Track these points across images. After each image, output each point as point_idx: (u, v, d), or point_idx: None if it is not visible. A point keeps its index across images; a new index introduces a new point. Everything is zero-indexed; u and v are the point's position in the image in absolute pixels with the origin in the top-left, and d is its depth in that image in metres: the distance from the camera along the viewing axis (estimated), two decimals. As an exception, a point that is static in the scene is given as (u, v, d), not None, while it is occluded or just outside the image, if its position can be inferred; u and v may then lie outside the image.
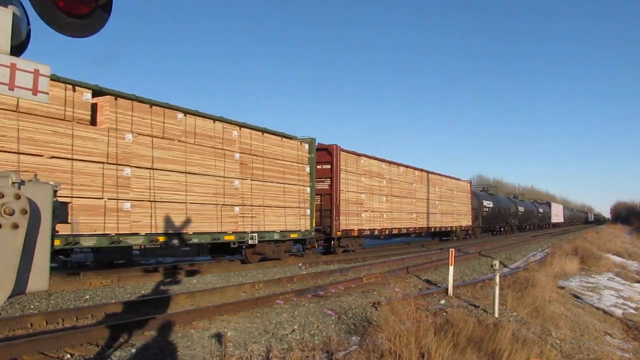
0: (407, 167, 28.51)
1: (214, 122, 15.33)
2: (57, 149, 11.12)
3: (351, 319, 9.10)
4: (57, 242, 10.61)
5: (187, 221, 13.95)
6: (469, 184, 40.04)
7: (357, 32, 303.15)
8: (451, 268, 12.40)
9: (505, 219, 50.67)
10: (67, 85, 11.48)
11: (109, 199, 12.09)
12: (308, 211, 19.17)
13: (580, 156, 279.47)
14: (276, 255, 18.21)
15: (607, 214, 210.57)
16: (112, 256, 14.42)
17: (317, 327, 8.55)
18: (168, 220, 13.44)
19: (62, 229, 10.73)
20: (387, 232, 25.81)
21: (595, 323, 11.60)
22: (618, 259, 27.70)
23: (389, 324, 6.82)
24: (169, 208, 13.53)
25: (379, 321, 8.30)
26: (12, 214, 2.17)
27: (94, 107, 12.20)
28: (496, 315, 9.85)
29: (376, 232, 24.60)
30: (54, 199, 2.44)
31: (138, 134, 12.94)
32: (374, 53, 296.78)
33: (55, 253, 17.37)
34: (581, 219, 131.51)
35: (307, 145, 19.51)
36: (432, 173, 32.19)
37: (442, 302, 11.20)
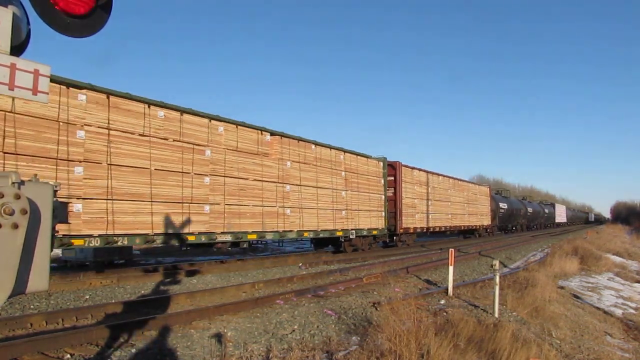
0: (443, 176, 34.08)
1: (330, 149, 20.97)
2: (255, 174, 16.46)
3: (351, 319, 9.10)
4: (252, 237, 16.45)
5: (318, 222, 19.62)
6: (488, 189, 45.38)
7: (358, 31, 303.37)
8: (451, 268, 12.40)
9: (517, 219, 55.33)
10: (259, 130, 16.85)
11: (279, 206, 17.42)
12: (383, 213, 24.99)
13: (580, 156, 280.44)
14: (363, 246, 23.70)
15: (607, 214, 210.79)
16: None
17: (317, 327, 8.55)
18: (308, 222, 18.98)
19: (254, 228, 16.21)
20: (431, 230, 31.15)
21: (595, 323, 11.59)
22: (618, 259, 27.68)
23: (389, 324, 6.82)
24: (309, 213, 19.07)
25: (379, 321, 8.29)
26: (12, 214, 2.17)
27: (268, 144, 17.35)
28: (496, 315, 9.84)
29: (424, 230, 30.07)
30: (54, 199, 2.44)
31: (292, 161, 18.37)
32: (373, 53, 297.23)
33: (249, 245, 23.30)
34: (582, 219, 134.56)
35: (381, 163, 25.38)
36: (461, 180, 38.16)
37: (442, 302, 11.20)
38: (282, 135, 18.10)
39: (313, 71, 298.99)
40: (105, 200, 11.81)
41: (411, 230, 27.84)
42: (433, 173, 31.97)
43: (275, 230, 17.13)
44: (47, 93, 2.71)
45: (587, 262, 22.20)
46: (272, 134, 17.47)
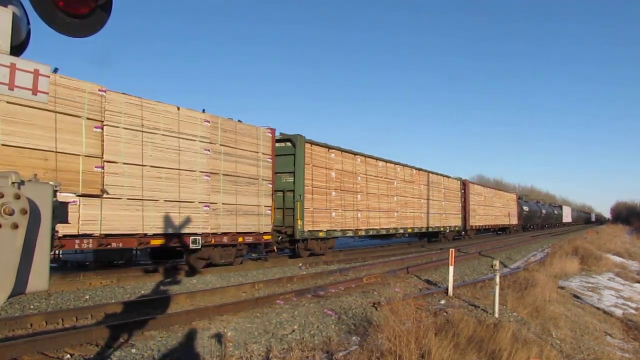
0: (489, 187, 51.24)
1: (437, 175, 33.39)
2: (409, 194, 28.40)
3: (351, 319, 9.10)
4: (410, 230, 28.90)
5: (432, 221, 31.37)
6: (516, 196, 59.07)
7: (358, 32, 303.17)
8: (451, 268, 12.39)
9: (534, 219, 67.62)
10: (411, 167, 28.64)
11: (421, 212, 29.71)
12: (460, 216, 37.00)
13: (580, 156, 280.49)
14: (448, 237, 34.99)
15: (607, 214, 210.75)
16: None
17: (317, 327, 8.55)
18: (436, 220, 32.10)
19: (411, 224, 28.74)
20: (483, 227, 43.78)
21: (595, 323, 11.59)
22: (618, 259, 27.68)
23: (389, 324, 6.82)
24: (436, 215, 32.06)
25: (379, 321, 8.30)
26: (11, 214, 2.17)
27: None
28: (496, 315, 9.84)
29: (480, 228, 42.85)
30: (54, 199, 2.44)
31: (424, 185, 30.56)
32: (373, 53, 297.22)
33: (424, 235, 33.77)
34: (585, 219, 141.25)
35: (459, 182, 37.65)
36: (499, 189, 55.57)
37: (442, 302, 11.20)
38: (420, 169, 30.33)
39: (313, 71, 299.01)
40: (364, 211, 23.60)
41: (474, 227, 40.34)
42: (482, 184, 51.00)
43: (420, 226, 29.74)
44: (47, 93, 2.71)
45: (587, 262, 22.20)
46: (416, 169, 29.78)
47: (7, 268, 2.18)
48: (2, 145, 10.24)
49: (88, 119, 11.90)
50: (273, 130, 17.77)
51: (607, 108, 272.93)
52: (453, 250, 12.83)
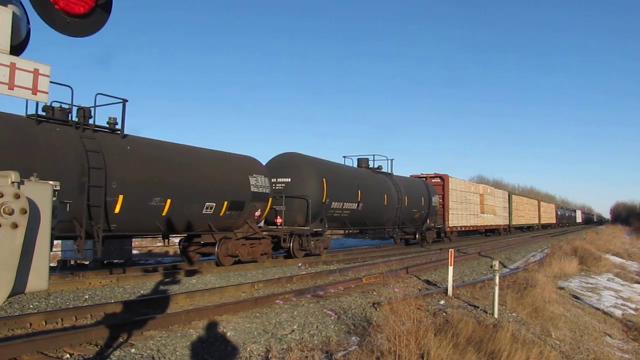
0: (528, 197, 72.12)
1: (494, 188, 50.30)
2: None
3: (351, 319, 9.10)
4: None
5: (497, 220, 48.37)
6: (555, 205, 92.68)
7: (349, 26, 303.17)
8: (450, 268, 12.40)
9: (563, 220, 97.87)
10: (509, 192, 55.10)
11: (503, 216, 50.98)
12: (508, 217, 51.10)
13: (580, 156, 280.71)
14: (501, 232, 49.00)
15: (606, 215, 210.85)
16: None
17: (317, 327, 8.55)
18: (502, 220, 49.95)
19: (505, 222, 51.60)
20: (526, 225, 62.20)
21: (594, 323, 11.60)
22: (617, 260, 27.71)
23: (389, 324, 6.82)
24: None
25: (378, 321, 8.30)
26: (11, 213, 2.17)
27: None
28: (496, 315, 9.85)
29: (522, 226, 59.93)
30: (54, 198, 2.44)
31: (504, 199, 50.72)
32: (368, 49, 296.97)
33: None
34: (590, 220, 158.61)
35: (507, 193, 51.86)
36: (542, 201, 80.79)
37: (442, 302, 11.20)
38: (500, 189, 54.51)
39: (310, 78, 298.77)
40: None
41: (518, 225, 56.49)
42: (539, 200, 76.38)
43: (505, 223, 49.26)
44: (47, 92, 2.71)
45: (586, 263, 22.22)
46: (497, 189, 51.45)
47: (7, 268, 2.18)
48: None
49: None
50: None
51: (608, 109, 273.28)
52: (452, 250, 12.84)
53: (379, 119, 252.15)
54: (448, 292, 12.13)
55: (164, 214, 13.91)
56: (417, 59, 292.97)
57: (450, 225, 34.11)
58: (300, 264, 17.75)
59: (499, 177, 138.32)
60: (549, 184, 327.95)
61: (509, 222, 50.74)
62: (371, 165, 26.45)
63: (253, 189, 16.89)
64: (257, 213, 17.40)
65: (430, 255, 22.51)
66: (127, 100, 13.31)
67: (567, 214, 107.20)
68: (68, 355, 6.57)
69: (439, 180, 34.22)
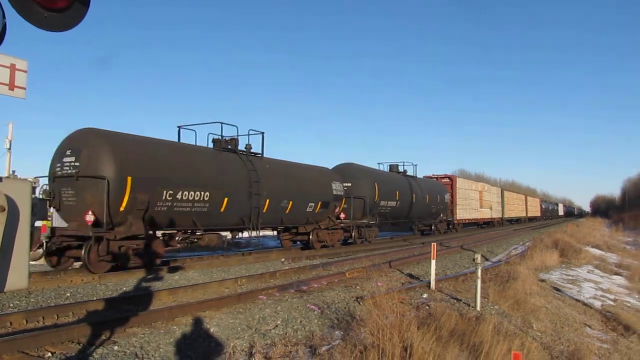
0: (517, 193, 78.67)
1: (490, 185, 57.45)
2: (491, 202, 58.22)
3: (334, 314, 9.12)
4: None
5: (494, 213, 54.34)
6: (539, 199, 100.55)
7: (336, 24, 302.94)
8: (433, 262, 12.47)
9: (547, 213, 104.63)
10: (501, 189, 63.59)
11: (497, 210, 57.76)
12: (501, 211, 57.35)
13: (560, 149, 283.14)
14: (497, 225, 55.23)
15: (587, 208, 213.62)
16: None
17: (300, 322, 8.56)
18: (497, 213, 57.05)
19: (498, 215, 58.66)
20: (516, 218, 68.52)
21: (575, 315, 11.74)
22: (597, 252, 28.09)
23: (372, 318, 6.84)
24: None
25: (362, 315, 8.33)
26: (-11, 211, 2.13)
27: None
28: (478, 308, 9.92)
29: (512, 219, 66.17)
30: (33, 195, 2.41)
31: (492, 194, 54.81)
32: (357, 52, 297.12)
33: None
34: (571, 213, 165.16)
35: (500, 189, 59.07)
36: (528, 196, 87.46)
37: (425, 295, 11.26)
38: (494, 186, 61.08)
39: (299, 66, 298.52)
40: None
41: (509, 217, 63.21)
42: (526, 195, 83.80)
43: (498, 216, 55.60)
44: (25, 88, 2.67)
45: (567, 255, 22.47)
46: (494, 186, 57.50)
47: (-15, 266, 2.14)
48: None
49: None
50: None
51: (587, 103, 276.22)
52: (435, 244, 12.91)
53: (361, 109, 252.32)
54: (431, 286, 12.21)
55: (287, 212, 19.77)
56: (392, 50, 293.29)
57: (457, 218, 42.07)
58: (283, 259, 17.75)
59: (480, 171, 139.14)
60: (530, 178, 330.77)
61: (502, 215, 59.46)
62: (401, 170, 33.17)
63: (334, 192, 22.90)
64: (336, 210, 23.55)
65: (413, 249, 22.63)
66: (264, 133, 19.37)
67: (550, 207, 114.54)
68: (50, 354, 6.50)
69: (448, 180, 42.83)
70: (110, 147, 13.37)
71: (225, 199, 16.42)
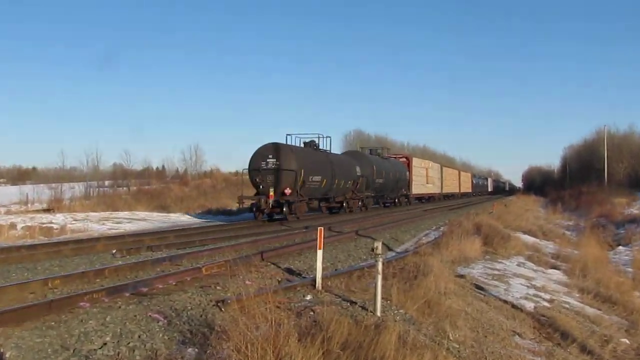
0: (452, 168, 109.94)
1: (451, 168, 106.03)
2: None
3: (186, 325, 9.09)
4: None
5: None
6: (471, 174, 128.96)
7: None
8: (320, 253, 12.57)
9: (478, 189, 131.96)
10: (441, 165, 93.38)
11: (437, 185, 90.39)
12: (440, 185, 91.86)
13: (484, 115, 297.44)
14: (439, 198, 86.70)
15: (518, 182, 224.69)
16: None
17: (139, 337, 8.47)
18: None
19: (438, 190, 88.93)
20: (451, 194, 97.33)
21: (501, 320, 12.34)
22: (530, 239, 29.57)
23: (239, 328, 6.89)
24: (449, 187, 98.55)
25: (224, 325, 8.34)
26: None
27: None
28: (378, 313, 10.16)
29: (449, 194, 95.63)
30: None
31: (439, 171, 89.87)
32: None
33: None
34: (501, 189, 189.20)
35: (439, 165, 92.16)
36: (464, 171, 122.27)
37: (309, 297, 11.42)
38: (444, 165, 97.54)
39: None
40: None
41: (446, 193, 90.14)
42: (459, 170, 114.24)
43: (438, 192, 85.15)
44: None
45: (492, 244, 23.31)
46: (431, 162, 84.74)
47: None
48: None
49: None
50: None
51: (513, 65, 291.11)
52: (321, 229, 13.03)
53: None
54: (316, 284, 12.36)
55: (337, 187, 40.56)
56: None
57: (413, 193, 65.77)
58: (114, 251, 17.44)
59: (383, 133, 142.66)
60: (445, 143, 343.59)
61: (441, 190, 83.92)
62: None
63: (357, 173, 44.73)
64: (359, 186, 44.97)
65: (293, 236, 22.90)
66: (330, 137, 42.70)
67: (480, 183, 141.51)
68: None
69: (405, 159, 66.09)
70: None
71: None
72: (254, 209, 33.61)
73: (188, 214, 43.65)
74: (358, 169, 44.22)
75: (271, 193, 32.58)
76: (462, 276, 15.85)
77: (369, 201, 48.62)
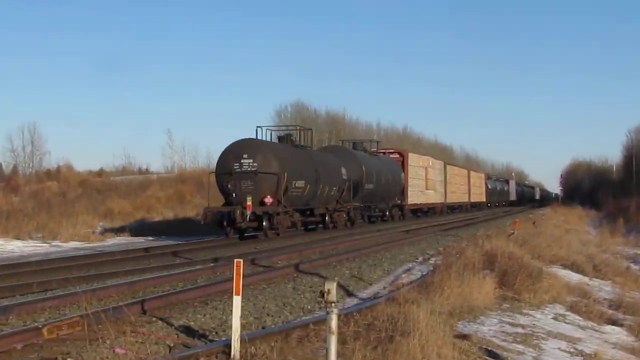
0: (462, 167, 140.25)
1: (461, 169, 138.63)
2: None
3: None
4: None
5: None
6: (485, 176, 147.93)
7: None
8: (237, 300, 12.12)
9: (494, 197, 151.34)
10: (444, 163, 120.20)
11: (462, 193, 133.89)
12: (485, 195, 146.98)
13: (498, 86, 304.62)
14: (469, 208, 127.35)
15: (554, 187, 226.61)
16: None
17: None
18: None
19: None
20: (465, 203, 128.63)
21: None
22: (574, 277, 28.99)
23: None
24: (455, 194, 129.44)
25: None
26: None
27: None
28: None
29: (461, 203, 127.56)
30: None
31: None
32: None
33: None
34: (528, 198, 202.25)
35: (466, 170, 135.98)
36: (474, 171, 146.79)
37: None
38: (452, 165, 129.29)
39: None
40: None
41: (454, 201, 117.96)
42: (469, 170, 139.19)
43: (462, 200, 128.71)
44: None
45: (513, 285, 22.38)
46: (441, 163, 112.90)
47: None
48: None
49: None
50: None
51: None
52: (240, 261, 12.41)
53: None
54: (232, 353, 12.06)
55: (320, 195, 49.91)
56: None
57: (409, 202, 76.13)
58: None
59: (340, 109, 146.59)
60: (437, 126, 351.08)
61: (445, 199, 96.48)
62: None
63: (343, 176, 54.59)
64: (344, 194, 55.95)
65: (194, 274, 22.69)
66: (312, 129, 59.96)
67: (498, 188, 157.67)
68: None
69: (399, 156, 74.87)
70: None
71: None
72: (225, 224, 35.68)
73: (21, 240, 43.17)
74: (344, 170, 50.56)
75: (248, 202, 34.38)
76: (465, 336, 15.43)
77: (356, 214, 55.20)
